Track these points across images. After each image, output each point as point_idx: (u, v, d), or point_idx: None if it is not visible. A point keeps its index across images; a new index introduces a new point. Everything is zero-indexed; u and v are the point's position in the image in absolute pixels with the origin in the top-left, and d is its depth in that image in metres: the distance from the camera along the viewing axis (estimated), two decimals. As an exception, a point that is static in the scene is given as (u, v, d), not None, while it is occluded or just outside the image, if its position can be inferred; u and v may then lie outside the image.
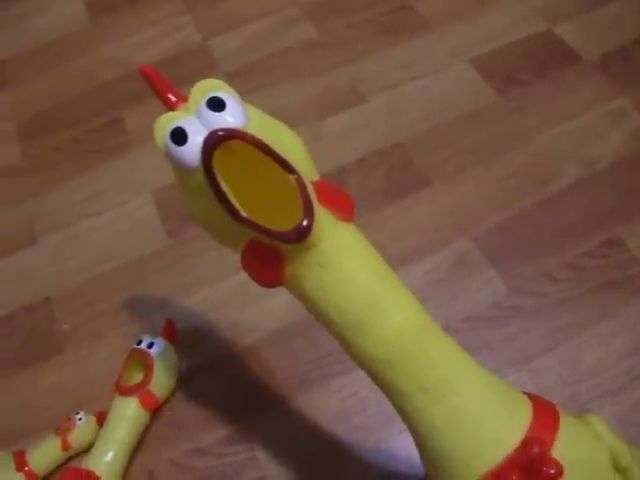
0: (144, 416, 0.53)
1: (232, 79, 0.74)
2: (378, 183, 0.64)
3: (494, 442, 0.32)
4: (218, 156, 0.29)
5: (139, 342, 0.55)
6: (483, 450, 0.32)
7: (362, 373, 0.56)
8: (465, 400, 0.33)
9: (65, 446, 0.53)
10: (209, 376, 0.57)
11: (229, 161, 0.30)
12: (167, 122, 0.31)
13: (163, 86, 0.33)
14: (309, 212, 0.29)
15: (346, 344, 0.35)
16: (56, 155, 0.72)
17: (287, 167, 0.29)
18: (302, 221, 0.28)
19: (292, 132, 0.36)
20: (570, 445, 0.32)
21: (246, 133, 0.29)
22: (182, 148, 0.29)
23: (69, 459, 0.54)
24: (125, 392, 0.53)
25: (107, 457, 0.51)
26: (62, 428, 0.54)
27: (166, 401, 0.55)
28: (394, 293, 0.36)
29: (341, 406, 0.54)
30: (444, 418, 0.33)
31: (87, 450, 0.53)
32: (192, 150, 0.29)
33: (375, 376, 0.36)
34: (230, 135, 0.29)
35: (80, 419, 0.54)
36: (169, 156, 0.30)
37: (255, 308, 0.59)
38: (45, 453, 0.53)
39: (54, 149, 0.72)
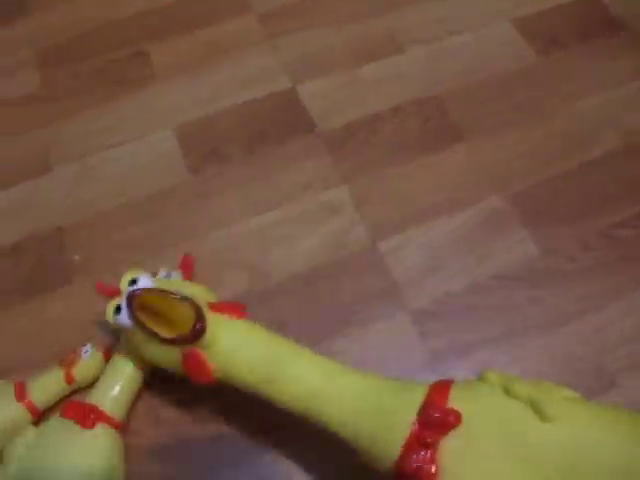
0: None
1: (264, 21, 0.70)
2: (412, 134, 0.61)
3: (397, 419, 0.37)
4: (142, 310, 0.44)
5: (154, 275, 0.51)
6: (390, 429, 0.37)
7: (383, 326, 0.54)
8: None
9: (69, 379, 0.49)
10: (224, 317, 0.53)
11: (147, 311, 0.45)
12: (111, 306, 0.46)
13: (110, 292, 0.48)
14: (200, 318, 0.41)
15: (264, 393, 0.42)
16: (76, 84, 0.67)
17: (180, 298, 0.43)
18: (196, 324, 0.41)
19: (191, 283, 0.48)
20: (461, 399, 0.36)
21: (142, 289, 0.45)
22: (120, 315, 0.44)
23: (71, 394, 0.50)
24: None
25: (113, 392, 0.47)
26: (67, 361, 0.50)
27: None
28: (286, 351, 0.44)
29: (361, 357, 0.51)
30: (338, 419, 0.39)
31: (91, 386, 0.49)
32: (125, 314, 0.44)
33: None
34: (133, 292, 0.45)
35: (86, 352, 0.50)
36: (118, 324, 0.45)
37: (276, 251, 0.56)
38: (47, 385, 0.49)
39: (74, 78, 0.68)
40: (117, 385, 0.48)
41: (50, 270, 0.57)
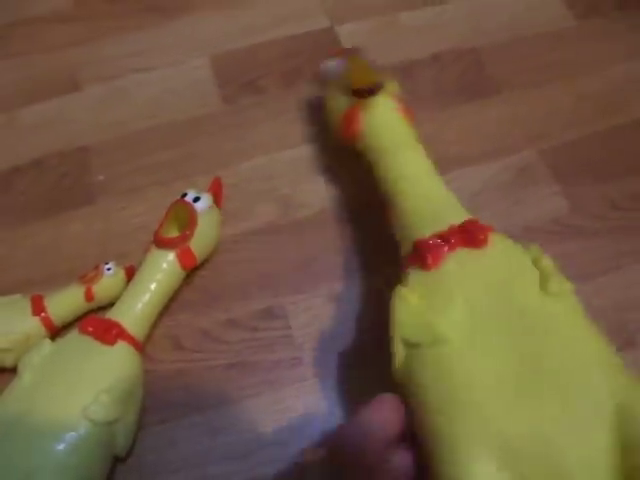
0: (179, 273, 0.47)
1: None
2: (449, 82, 0.59)
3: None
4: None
5: (183, 195, 0.49)
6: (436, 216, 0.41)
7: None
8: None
9: (88, 296, 0.47)
10: (250, 247, 0.51)
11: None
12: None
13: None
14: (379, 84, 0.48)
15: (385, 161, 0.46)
16: (111, 7, 0.65)
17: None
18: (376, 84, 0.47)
19: None
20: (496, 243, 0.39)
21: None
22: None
23: (89, 312, 0.48)
24: (164, 244, 0.46)
25: (135, 309, 0.45)
26: (88, 277, 0.47)
27: (201, 266, 0.50)
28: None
29: (389, 295, 0.50)
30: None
31: (110, 306, 0.47)
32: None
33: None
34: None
35: (109, 269, 0.48)
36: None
37: (309, 185, 0.54)
38: (66, 300, 0.47)
39: (109, 1, 0.65)
40: (140, 303, 0.45)
41: (73, 189, 0.55)
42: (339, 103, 0.49)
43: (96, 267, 0.48)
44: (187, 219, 0.47)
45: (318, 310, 0.49)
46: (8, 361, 0.45)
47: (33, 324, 0.45)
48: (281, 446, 0.44)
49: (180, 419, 0.45)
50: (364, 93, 0.47)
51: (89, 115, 0.58)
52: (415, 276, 0.38)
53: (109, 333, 0.43)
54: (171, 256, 0.46)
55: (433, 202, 0.42)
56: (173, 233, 0.48)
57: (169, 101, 0.58)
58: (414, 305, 0.36)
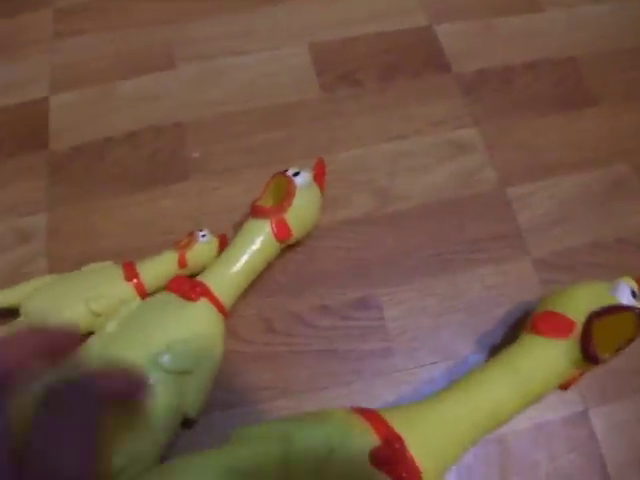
0: (273, 245, 0.46)
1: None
2: (545, 91, 0.58)
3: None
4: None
5: (285, 170, 0.48)
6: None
7: (506, 268, 0.52)
8: None
9: (181, 262, 0.46)
10: (346, 236, 0.50)
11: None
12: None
13: None
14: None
15: None
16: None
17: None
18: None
19: None
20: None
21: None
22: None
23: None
24: (259, 213, 0.45)
25: (223, 273, 0.44)
26: (181, 243, 0.47)
27: (296, 249, 0.50)
28: None
29: (482, 294, 0.49)
30: None
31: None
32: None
33: None
34: None
35: (203, 236, 0.47)
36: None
37: (406, 179, 0.53)
38: (158, 266, 0.46)
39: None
40: (229, 268, 0.44)
41: (168, 164, 0.54)
42: None
43: (190, 234, 0.47)
44: (285, 191, 0.46)
45: (412, 303, 0.48)
46: (100, 325, 0.44)
47: (126, 289, 0.45)
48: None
49: (265, 402, 0.45)
50: None
51: (185, 92, 0.57)
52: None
53: (193, 290, 0.43)
54: (266, 226, 0.45)
55: None
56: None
57: (265, 85, 0.57)
58: None
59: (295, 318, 0.47)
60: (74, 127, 0.56)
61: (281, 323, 0.47)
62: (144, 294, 0.45)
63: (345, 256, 0.50)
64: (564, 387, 0.43)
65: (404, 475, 0.34)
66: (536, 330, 0.41)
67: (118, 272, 0.46)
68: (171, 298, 0.43)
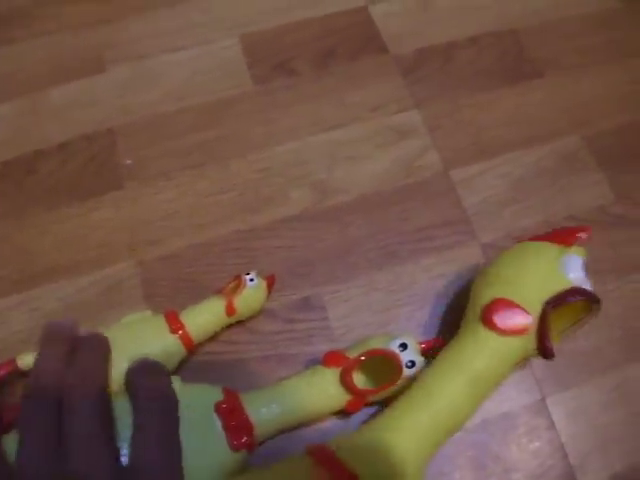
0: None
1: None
2: (489, 65, 0.54)
3: None
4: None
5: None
6: None
7: (454, 255, 0.49)
8: None
9: (229, 310, 0.41)
10: (285, 234, 0.47)
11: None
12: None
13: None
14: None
15: None
16: (137, -15, 0.60)
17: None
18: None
19: None
20: None
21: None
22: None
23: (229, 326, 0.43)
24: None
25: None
26: (228, 288, 0.42)
27: (235, 254, 0.46)
28: None
29: (429, 285, 0.46)
30: None
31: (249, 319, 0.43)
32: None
33: None
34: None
35: (251, 280, 0.42)
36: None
37: (345, 170, 0.49)
38: (205, 315, 0.41)
39: (135, -21, 0.60)
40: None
41: (100, 173, 0.50)
42: None
43: (237, 277, 0.42)
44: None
45: (357, 300, 0.45)
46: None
47: (172, 342, 0.40)
48: (319, 433, 0.41)
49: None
50: None
51: (116, 97, 0.53)
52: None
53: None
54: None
55: None
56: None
57: (199, 82, 0.53)
58: None
59: (237, 324, 0.44)
60: (3, 142, 0.52)
61: (222, 330, 0.44)
62: (191, 346, 0.41)
63: (286, 256, 0.46)
64: None
65: None
66: (491, 325, 0.37)
67: (161, 323, 0.40)
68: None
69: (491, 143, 0.50)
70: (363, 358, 0.39)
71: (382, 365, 0.39)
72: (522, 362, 0.39)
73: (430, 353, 0.39)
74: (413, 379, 0.38)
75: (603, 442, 0.43)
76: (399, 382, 0.38)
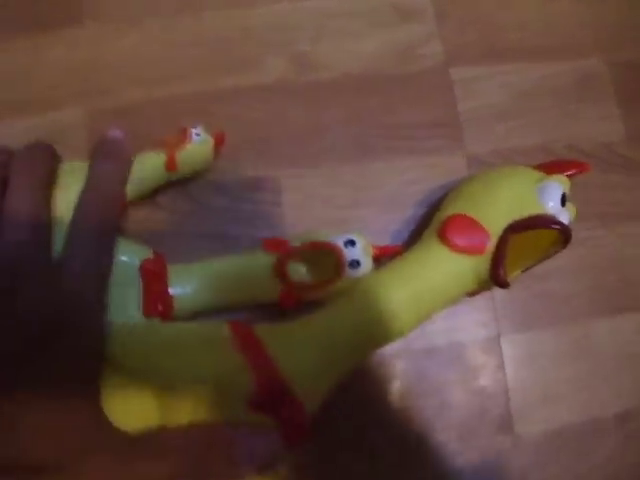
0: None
1: None
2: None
3: None
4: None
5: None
6: None
7: (434, 162, 0.42)
8: None
9: (170, 165, 0.36)
10: (252, 104, 0.41)
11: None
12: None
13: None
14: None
15: None
16: None
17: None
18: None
19: None
20: None
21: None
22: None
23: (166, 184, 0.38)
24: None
25: None
26: (170, 142, 0.36)
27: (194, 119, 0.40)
28: None
29: (400, 189, 0.40)
30: None
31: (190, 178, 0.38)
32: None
33: None
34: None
35: (197, 135, 0.37)
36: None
37: (332, 44, 0.43)
38: (143, 168, 0.36)
39: None
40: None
41: (59, 4, 0.44)
42: None
43: (183, 131, 0.37)
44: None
45: (316, 190, 0.40)
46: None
47: None
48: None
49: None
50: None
51: None
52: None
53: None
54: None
55: None
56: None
57: None
58: None
59: (182, 192, 0.39)
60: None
61: (165, 197, 0.39)
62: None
63: (248, 127, 0.40)
64: (469, 295, 0.36)
65: (286, 416, 0.28)
66: (445, 240, 0.32)
67: None
68: None
69: (502, 46, 0.43)
70: (303, 248, 0.34)
71: (328, 265, 0.35)
72: (478, 288, 0.34)
73: (384, 260, 0.35)
74: (356, 282, 0.33)
75: (548, 395, 0.39)
76: (339, 282, 0.34)
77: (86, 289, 0.24)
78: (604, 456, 0.39)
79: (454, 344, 0.39)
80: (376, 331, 0.31)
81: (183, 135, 0.36)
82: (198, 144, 0.36)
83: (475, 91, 0.42)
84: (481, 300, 0.39)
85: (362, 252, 0.34)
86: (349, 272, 0.34)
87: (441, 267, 0.32)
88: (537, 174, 0.34)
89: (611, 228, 0.42)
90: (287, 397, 0.28)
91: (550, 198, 0.33)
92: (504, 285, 0.32)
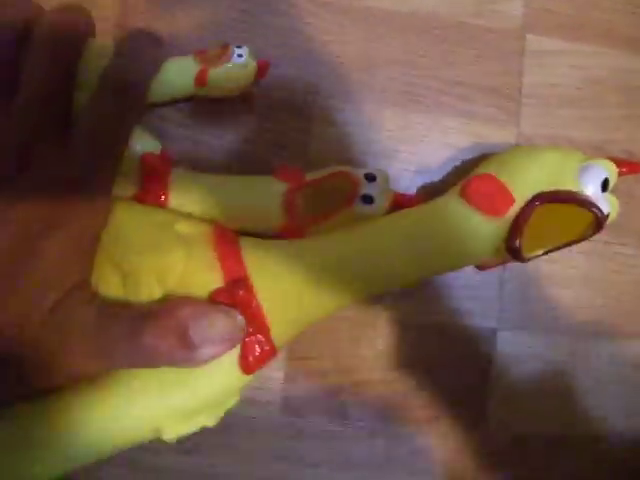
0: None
1: None
2: None
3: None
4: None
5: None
6: None
7: (482, 131, 0.36)
8: None
9: (200, 80, 0.31)
10: (301, 15, 0.36)
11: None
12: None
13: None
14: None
15: None
16: None
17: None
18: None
19: None
20: None
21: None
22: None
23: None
24: None
25: None
26: (207, 55, 0.32)
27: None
28: None
29: (437, 150, 0.36)
30: None
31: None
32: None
33: None
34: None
35: (240, 56, 0.32)
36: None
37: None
38: (170, 73, 0.31)
39: None
40: None
41: None
42: None
43: (225, 46, 0.32)
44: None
45: (350, 129, 0.35)
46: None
47: None
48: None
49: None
50: None
51: None
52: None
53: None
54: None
55: None
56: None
57: None
58: None
59: (205, 99, 0.35)
60: None
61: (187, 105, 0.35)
62: None
63: (293, 43, 0.35)
64: (480, 268, 0.33)
65: (249, 329, 0.26)
66: (465, 195, 0.29)
67: None
68: None
69: (592, 25, 0.38)
70: (319, 180, 0.30)
71: (340, 201, 0.31)
72: (490, 259, 0.31)
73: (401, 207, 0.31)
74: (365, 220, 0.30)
75: (529, 409, 0.37)
76: (347, 214, 0.31)
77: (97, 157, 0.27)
78: (568, 474, 0.37)
79: (440, 324, 0.36)
80: (363, 272, 0.28)
81: (223, 52, 0.32)
82: (237, 65, 0.32)
83: (545, 66, 0.37)
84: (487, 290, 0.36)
85: (379, 190, 0.31)
86: (359, 206, 0.31)
87: (453, 222, 0.29)
88: (583, 156, 0.31)
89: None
90: (253, 304, 0.26)
91: (590, 180, 0.29)
92: (518, 256, 0.29)
